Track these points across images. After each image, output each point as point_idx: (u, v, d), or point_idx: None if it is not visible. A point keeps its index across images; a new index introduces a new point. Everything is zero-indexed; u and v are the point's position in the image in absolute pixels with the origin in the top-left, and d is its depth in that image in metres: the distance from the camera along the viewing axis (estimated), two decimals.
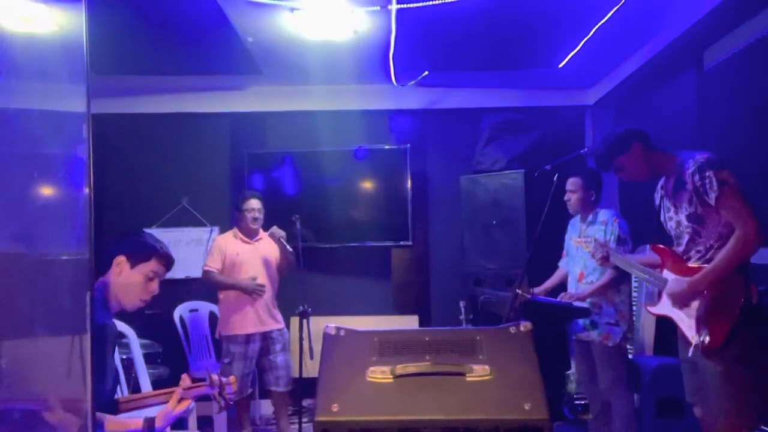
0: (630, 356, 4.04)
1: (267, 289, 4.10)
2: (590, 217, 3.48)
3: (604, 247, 3.02)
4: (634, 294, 3.99)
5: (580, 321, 3.39)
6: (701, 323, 2.39)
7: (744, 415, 2.32)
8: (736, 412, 2.31)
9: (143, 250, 2.12)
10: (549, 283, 3.72)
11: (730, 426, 2.33)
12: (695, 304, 2.43)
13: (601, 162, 2.70)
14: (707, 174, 2.36)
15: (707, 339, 2.36)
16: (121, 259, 2.09)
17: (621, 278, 3.31)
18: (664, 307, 2.59)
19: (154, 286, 2.13)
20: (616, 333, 3.30)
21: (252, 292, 4.01)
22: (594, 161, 2.73)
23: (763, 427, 2.59)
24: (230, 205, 5.08)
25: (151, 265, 2.12)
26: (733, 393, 2.31)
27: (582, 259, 3.47)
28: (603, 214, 3.44)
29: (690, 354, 2.44)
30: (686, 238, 2.52)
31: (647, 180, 2.69)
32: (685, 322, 2.48)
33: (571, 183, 3.47)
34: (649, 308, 2.74)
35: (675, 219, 2.57)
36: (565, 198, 3.52)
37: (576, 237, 3.57)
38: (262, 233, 4.18)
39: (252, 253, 4.10)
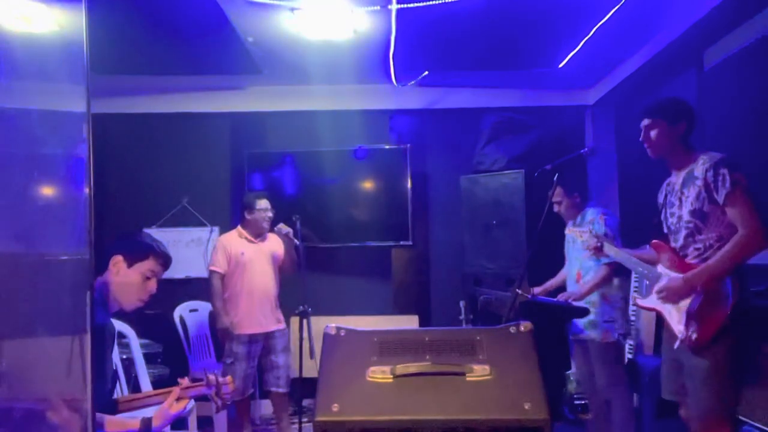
0: (630, 356, 4.04)
1: (271, 289, 4.11)
2: (578, 219, 3.50)
3: (597, 238, 3.04)
4: (634, 294, 3.98)
5: (580, 321, 3.40)
6: (691, 318, 2.40)
7: (725, 409, 2.36)
8: (718, 406, 2.35)
9: (140, 250, 2.12)
10: (550, 284, 3.72)
11: (710, 420, 2.37)
12: (687, 299, 2.44)
13: (651, 105, 2.60)
14: (722, 171, 2.36)
15: (695, 335, 2.37)
16: (117, 259, 2.09)
17: (616, 274, 3.32)
18: (654, 300, 2.59)
19: (152, 286, 2.13)
20: (613, 330, 3.32)
21: (217, 332, 4.11)
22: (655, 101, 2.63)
23: (741, 417, 2.61)
24: (231, 205, 5.09)
25: (148, 264, 2.11)
26: (716, 389, 2.34)
27: (578, 260, 3.48)
28: (590, 213, 3.46)
29: (675, 347, 2.46)
30: (684, 233, 2.51)
31: (656, 158, 2.61)
32: (674, 316, 2.49)
33: (556, 194, 3.46)
34: (638, 301, 2.74)
35: (677, 214, 2.56)
36: (555, 210, 3.52)
37: (570, 234, 3.58)
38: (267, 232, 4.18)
39: (257, 253, 4.10)
